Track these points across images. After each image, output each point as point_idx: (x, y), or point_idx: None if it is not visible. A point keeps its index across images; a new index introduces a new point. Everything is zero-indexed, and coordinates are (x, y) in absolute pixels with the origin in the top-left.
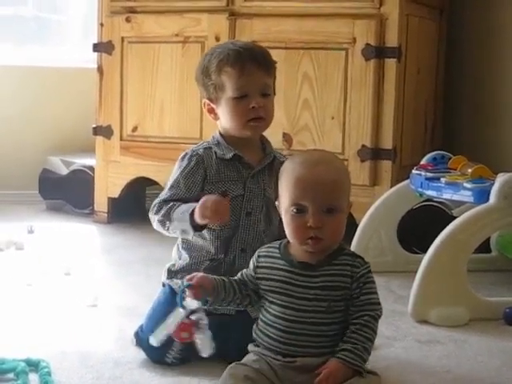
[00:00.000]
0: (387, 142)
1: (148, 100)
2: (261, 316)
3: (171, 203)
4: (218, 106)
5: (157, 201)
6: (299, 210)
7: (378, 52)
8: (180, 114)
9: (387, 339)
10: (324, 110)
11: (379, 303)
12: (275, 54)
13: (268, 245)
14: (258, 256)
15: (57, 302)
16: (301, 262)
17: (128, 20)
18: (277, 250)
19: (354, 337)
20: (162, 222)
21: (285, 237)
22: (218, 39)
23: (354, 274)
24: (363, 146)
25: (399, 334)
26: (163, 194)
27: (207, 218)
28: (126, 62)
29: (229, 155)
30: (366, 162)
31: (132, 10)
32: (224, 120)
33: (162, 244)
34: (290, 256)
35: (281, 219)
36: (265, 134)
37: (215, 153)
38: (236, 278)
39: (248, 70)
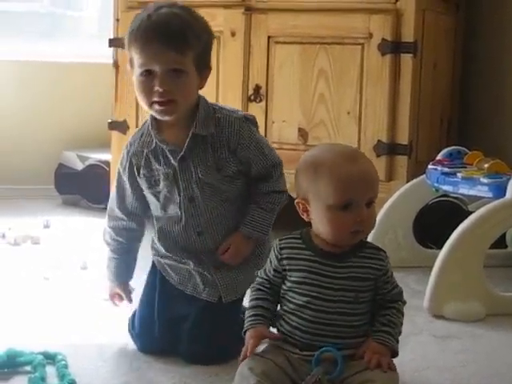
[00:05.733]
0: (403, 137)
1: None
2: (283, 306)
3: (115, 242)
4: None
5: (110, 206)
6: (346, 206)
7: (394, 47)
8: None
9: (403, 334)
10: (340, 105)
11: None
12: (291, 49)
13: (288, 235)
14: (280, 248)
15: (73, 296)
16: (327, 252)
17: None
18: (299, 241)
19: (392, 321)
20: (107, 240)
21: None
22: (233, 34)
23: (382, 268)
24: (379, 141)
25: (415, 329)
26: (112, 199)
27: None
28: None
29: (152, 145)
30: (381, 157)
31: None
32: (138, 98)
33: None
34: (315, 246)
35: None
36: (283, 127)
37: (143, 142)
38: (266, 287)
39: (153, 46)
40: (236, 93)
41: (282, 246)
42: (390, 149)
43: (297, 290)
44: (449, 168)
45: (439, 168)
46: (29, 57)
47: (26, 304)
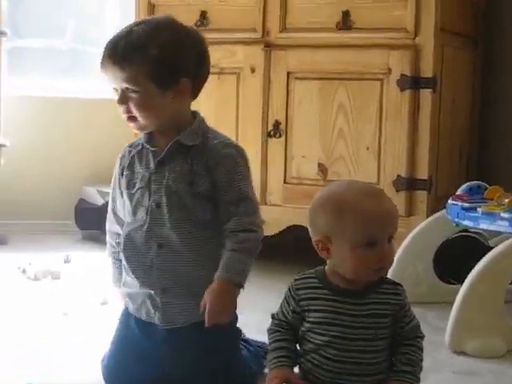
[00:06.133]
0: (422, 172)
1: None
2: (302, 345)
3: (110, 246)
4: None
5: (108, 209)
6: (370, 244)
7: (413, 82)
8: None
9: (423, 371)
10: (359, 141)
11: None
12: (310, 85)
13: (301, 275)
14: (297, 289)
15: (93, 332)
16: (345, 290)
17: None
18: (315, 280)
19: (413, 359)
20: (107, 243)
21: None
22: (253, 70)
23: (400, 302)
24: (398, 176)
25: (436, 366)
26: (109, 201)
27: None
28: None
29: (139, 146)
30: (401, 192)
31: None
32: None
33: None
34: (332, 284)
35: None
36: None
37: (133, 144)
38: (285, 328)
39: (104, 65)
40: (256, 128)
41: (299, 286)
42: (409, 184)
43: (317, 330)
44: (469, 203)
45: (459, 203)
46: (49, 93)
47: (45, 340)
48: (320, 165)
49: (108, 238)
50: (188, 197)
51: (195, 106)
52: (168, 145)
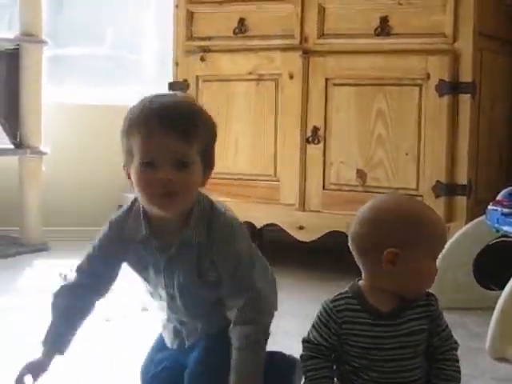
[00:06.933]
0: (462, 178)
1: (222, 137)
2: (339, 366)
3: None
4: (131, 173)
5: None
6: (434, 258)
7: (451, 87)
8: (254, 151)
9: (464, 377)
10: (398, 146)
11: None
12: (349, 91)
13: (338, 296)
14: (337, 311)
15: (135, 338)
16: (386, 313)
17: (203, 59)
18: (354, 301)
19: (450, 374)
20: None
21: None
22: (291, 77)
23: (433, 313)
24: (438, 181)
25: (476, 372)
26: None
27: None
28: (200, 100)
29: (139, 236)
30: (440, 197)
31: (207, 49)
32: (136, 191)
33: None
34: (372, 307)
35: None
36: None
37: (131, 228)
38: (324, 354)
39: (156, 133)
40: (294, 135)
41: (340, 308)
42: (448, 189)
43: (356, 354)
44: (509, 208)
45: (499, 208)
46: (89, 101)
47: (87, 346)
48: (359, 171)
49: (71, 288)
50: (199, 287)
51: (234, 112)
52: (174, 240)
